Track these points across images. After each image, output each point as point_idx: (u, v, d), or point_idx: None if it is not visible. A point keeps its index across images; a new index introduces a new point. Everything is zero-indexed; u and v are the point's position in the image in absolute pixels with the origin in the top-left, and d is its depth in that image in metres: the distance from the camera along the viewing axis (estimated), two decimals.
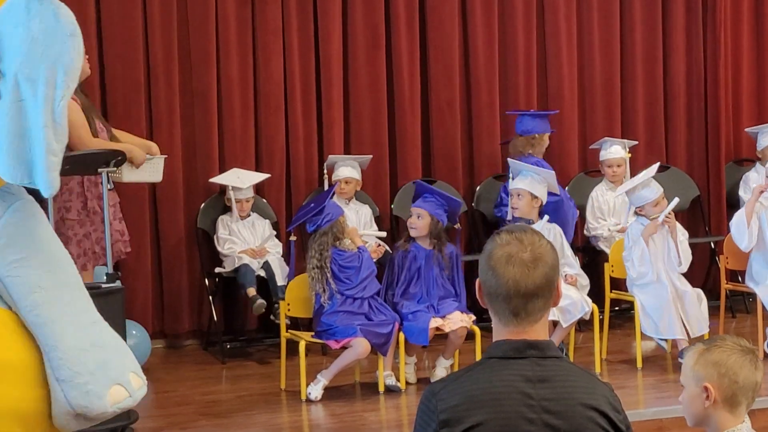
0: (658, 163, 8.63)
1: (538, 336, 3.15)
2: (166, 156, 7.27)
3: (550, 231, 8.13)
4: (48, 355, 3.51)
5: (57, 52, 3.53)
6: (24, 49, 3.56)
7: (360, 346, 7.43)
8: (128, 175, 7.08)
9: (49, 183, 3.49)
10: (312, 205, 7.84)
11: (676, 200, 8.19)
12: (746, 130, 10.14)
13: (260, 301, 8.30)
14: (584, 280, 8.28)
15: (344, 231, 7.79)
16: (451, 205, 8.09)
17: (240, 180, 8.85)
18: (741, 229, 8.23)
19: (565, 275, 8.04)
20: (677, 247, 8.11)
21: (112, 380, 3.51)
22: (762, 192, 8.26)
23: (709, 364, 3.58)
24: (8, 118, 3.54)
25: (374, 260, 8.08)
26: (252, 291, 8.45)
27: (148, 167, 7.19)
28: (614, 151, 9.49)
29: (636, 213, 8.38)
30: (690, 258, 8.20)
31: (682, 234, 8.21)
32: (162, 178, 7.38)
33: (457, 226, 8.46)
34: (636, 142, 9.82)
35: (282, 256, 8.80)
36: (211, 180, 8.97)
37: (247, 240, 8.81)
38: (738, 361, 3.58)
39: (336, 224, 7.70)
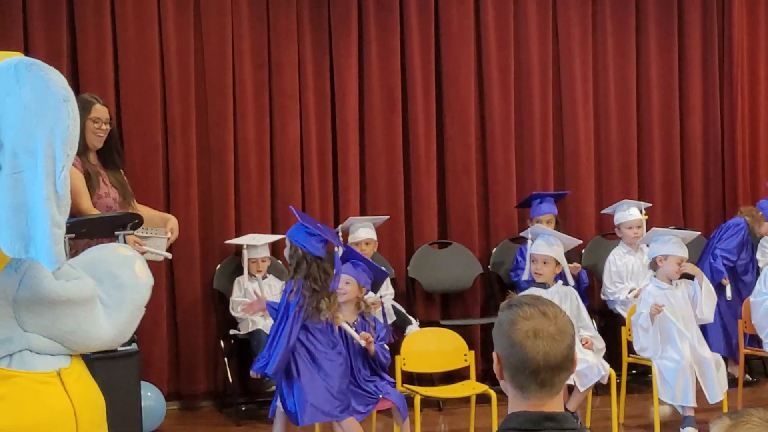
0: (699, 233, 8.56)
1: (555, 408, 3.13)
2: (170, 237, 7.24)
3: (567, 294, 8.11)
4: None
5: (52, 120, 3.50)
6: (18, 118, 3.52)
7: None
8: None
9: (55, 257, 3.47)
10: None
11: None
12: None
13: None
14: (600, 343, 8.23)
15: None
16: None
17: (255, 239, 8.85)
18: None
19: (581, 338, 8.00)
20: (701, 297, 8.09)
21: None
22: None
23: None
24: (6, 190, 3.51)
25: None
26: None
27: (150, 245, 7.15)
28: (633, 213, 9.46)
29: (651, 266, 8.35)
30: (713, 304, 8.15)
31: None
32: (162, 257, 7.30)
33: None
34: (650, 204, 9.77)
35: None
36: (227, 242, 8.98)
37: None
38: None
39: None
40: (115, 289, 3.98)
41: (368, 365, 7.38)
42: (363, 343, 7.25)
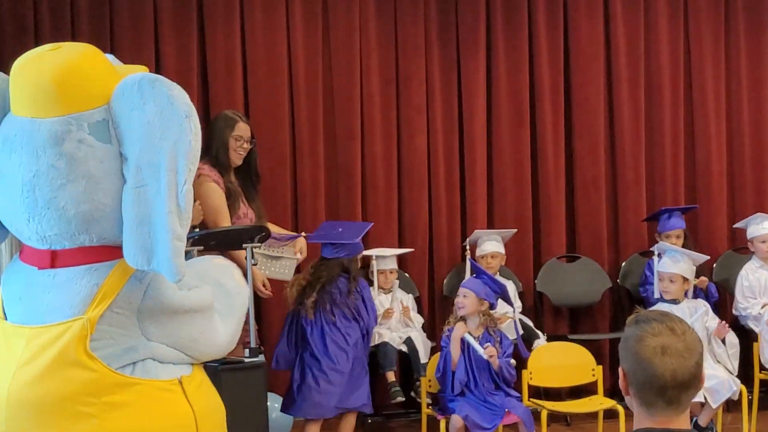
0: None
1: (681, 425, 3.11)
2: (299, 258, 7.31)
3: (696, 307, 8.01)
4: None
5: (175, 135, 3.57)
6: (142, 133, 3.60)
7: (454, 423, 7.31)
8: (259, 264, 7.08)
9: (176, 269, 3.54)
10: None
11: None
12: None
13: (397, 389, 8.29)
14: (734, 339, 8.08)
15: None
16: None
17: (384, 251, 8.89)
18: None
19: (718, 324, 7.92)
20: None
21: None
22: None
23: None
24: (130, 203, 3.59)
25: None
26: (391, 376, 8.44)
27: (280, 265, 7.23)
28: (766, 226, 9.27)
29: None
30: None
31: None
32: (292, 277, 7.40)
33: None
34: None
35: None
36: (365, 253, 9.03)
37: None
38: None
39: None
40: (224, 296, 4.07)
41: (492, 379, 7.38)
42: (485, 356, 7.25)
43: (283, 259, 7.28)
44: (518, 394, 7.55)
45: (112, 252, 3.71)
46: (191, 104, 3.63)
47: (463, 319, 7.61)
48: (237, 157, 7.25)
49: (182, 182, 3.55)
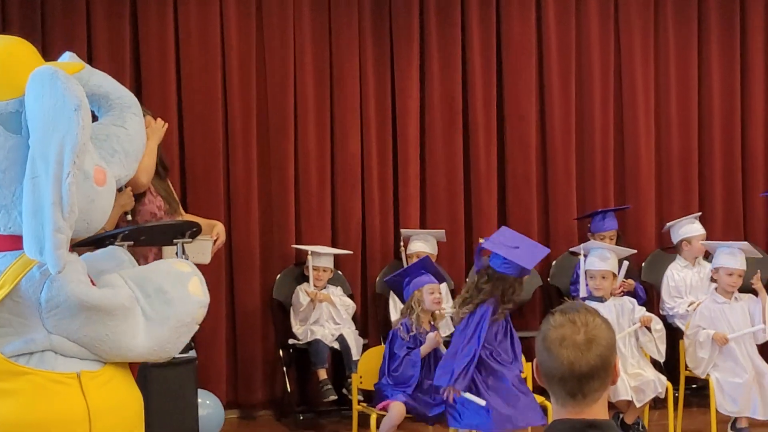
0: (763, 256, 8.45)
1: (597, 415, 3.13)
2: (214, 238, 7.28)
3: (623, 305, 8.10)
4: None
5: (64, 128, 3.61)
6: (39, 124, 3.66)
7: (394, 409, 7.31)
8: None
9: (56, 260, 3.57)
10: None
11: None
12: None
13: (328, 387, 8.34)
14: (658, 324, 8.18)
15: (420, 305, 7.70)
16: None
17: (321, 248, 8.92)
18: None
19: (641, 318, 8.01)
20: (764, 314, 8.04)
21: None
22: None
23: None
24: (28, 193, 3.64)
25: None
26: (323, 373, 8.49)
27: (196, 248, 7.19)
28: (696, 228, 9.39)
29: (712, 279, 8.30)
30: None
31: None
32: (210, 260, 7.34)
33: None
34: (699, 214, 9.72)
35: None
36: (295, 246, 9.05)
37: (321, 310, 8.84)
38: None
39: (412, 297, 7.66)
40: (161, 303, 4.04)
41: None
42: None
43: (197, 242, 7.25)
44: None
45: (18, 241, 3.74)
46: (83, 98, 3.67)
47: (433, 315, 7.74)
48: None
49: (65, 175, 3.58)
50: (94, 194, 3.92)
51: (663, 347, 8.00)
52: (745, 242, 8.54)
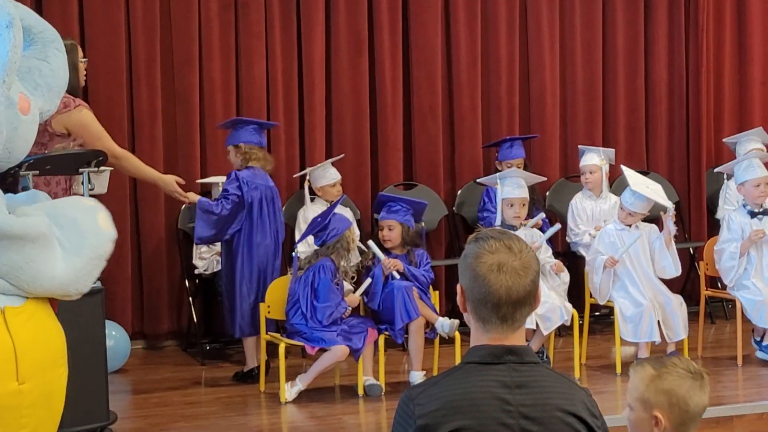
0: (671, 206, 8.46)
1: (516, 342, 3.15)
2: (111, 168, 7.17)
3: (531, 236, 8.18)
4: None
5: None
6: None
7: (339, 350, 7.45)
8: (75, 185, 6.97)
9: None
10: (318, 219, 7.79)
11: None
12: (724, 140, 10.09)
13: None
14: (566, 277, 8.30)
15: (350, 245, 7.77)
16: (416, 207, 8.24)
17: (221, 178, 8.83)
18: (729, 265, 8.31)
19: (553, 265, 8.18)
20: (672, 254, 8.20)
21: None
22: (761, 237, 8.30)
23: (660, 391, 3.51)
24: None
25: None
26: None
27: (94, 178, 7.09)
28: (588, 158, 9.47)
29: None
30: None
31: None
32: (106, 190, 7.23)
33: (422, 224, 8.60)
34: (613, 150, 9.77)
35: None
36: (199, 181, 8.96)
37: None
38: (689, 390, 3.51)
39: (342, 239, 7.70)
40: (74, 234, 3.99)
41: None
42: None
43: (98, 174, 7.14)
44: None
45: None
46: (14, 15, 3.59)
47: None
48: (82, 80, 7.13)
49: None
50: (18, 122, 3.85)
51: (564, 300, 8.15)
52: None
